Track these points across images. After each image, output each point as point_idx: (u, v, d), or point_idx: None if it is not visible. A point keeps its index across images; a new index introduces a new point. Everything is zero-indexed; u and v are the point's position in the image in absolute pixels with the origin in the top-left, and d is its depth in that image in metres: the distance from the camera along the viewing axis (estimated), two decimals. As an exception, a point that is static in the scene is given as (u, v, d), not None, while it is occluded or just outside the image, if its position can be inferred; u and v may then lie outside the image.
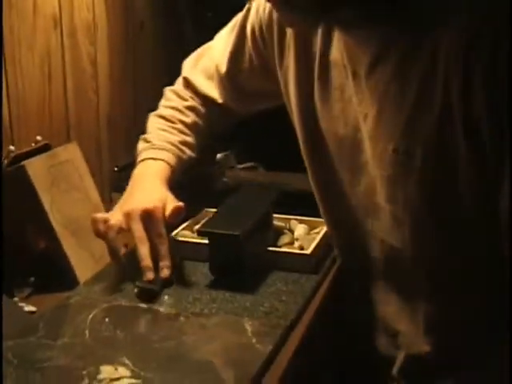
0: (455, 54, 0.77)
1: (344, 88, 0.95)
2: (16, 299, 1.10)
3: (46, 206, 1.17)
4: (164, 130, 1.21)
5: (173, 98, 1.24)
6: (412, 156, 0.86)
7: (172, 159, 1.19)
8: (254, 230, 1.18)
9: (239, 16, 1.16)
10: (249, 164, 1.83)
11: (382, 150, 0.89)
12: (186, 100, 1.23)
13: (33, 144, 1.24)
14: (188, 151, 1.22)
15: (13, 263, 1.16)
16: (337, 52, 0.96)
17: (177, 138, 1.20)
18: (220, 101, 1.22)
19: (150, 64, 1.71)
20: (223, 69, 1.18)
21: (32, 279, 1.15)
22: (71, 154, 1.28)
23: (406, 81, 0.85)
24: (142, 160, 1.18)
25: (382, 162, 0.91)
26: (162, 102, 1.25)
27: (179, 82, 1.26)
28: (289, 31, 1.02)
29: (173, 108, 1.23)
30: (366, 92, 0.90)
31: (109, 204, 1.52)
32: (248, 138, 1.90)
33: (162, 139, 1.19)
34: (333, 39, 0.96)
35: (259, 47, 1.11)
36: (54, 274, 1.16)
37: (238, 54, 1.15)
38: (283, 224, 1.34)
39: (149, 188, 1.13)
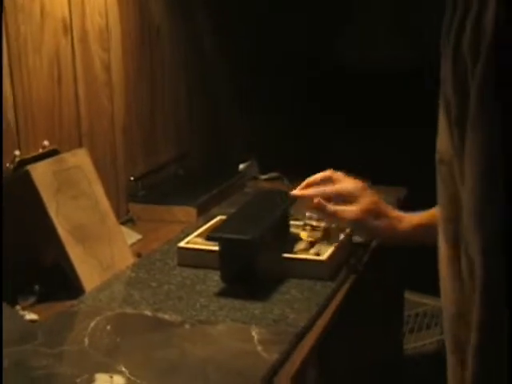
0: None
1: None
2: (18, 307, 1.08)
3: (52, 212, 1.14)
4: None
5: None
6: None
7: None
8: (268, 236, 1.14)
9: None
10: (272, 174, 1.73)
11: None
12: None
13: (40, 149, 1.23)
14: None
15: (17, 271, 1.14)
16: None
17: None
18: None
19: (168, 70, 1.68)
20: None
21: (37, 287, 1.12)
22: (80, 159, 1.25)
23: None
24: None
25: None
26: None
27: None
28: None
29: None
30: None
31: (125, 215, 1.47)
32: (272, 146, 1.84)
33: None
34: None
35: None
36: (60, 282, 1.13)
37: None
38: (300, 231, 1.24)
39: None
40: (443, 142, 0.71)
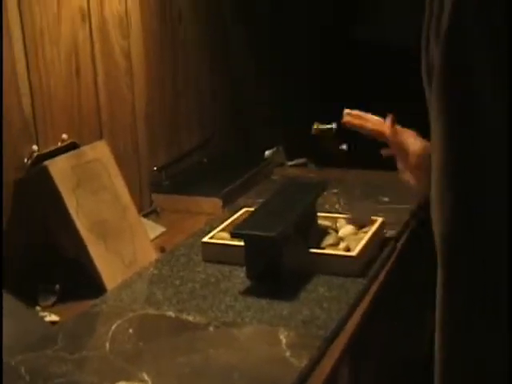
0: None
1: None
2: (38, 308, 1.05)
3: (71, 208, 1.11)
4: None
5: None
6: None
7: None
8: (294, 231, 1.09)
9: None
10: (299, 160, 1.68)
11: None
12: None
13: (59, 143, 1.19)
14: None
15: (37, 270, 1.11)
16: None
17: None
18: None
19: (191, 57, 1.62)
20: None
21: (57, 287, 1.09)
22: (99, 152, 1.21)
23: None
24: None
25: None
26: None
27: None
28: None
29: None
30: None
31: (148, 206, 1.43)
32: (299, 133, 1.77)
33: None
34: None
35: None
36: (82, 280, 1.10)
37: None
38: (329, 223, 1.19)
39: None
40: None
